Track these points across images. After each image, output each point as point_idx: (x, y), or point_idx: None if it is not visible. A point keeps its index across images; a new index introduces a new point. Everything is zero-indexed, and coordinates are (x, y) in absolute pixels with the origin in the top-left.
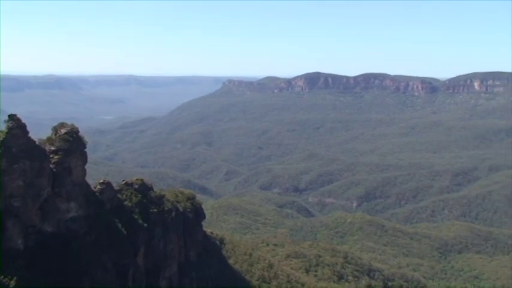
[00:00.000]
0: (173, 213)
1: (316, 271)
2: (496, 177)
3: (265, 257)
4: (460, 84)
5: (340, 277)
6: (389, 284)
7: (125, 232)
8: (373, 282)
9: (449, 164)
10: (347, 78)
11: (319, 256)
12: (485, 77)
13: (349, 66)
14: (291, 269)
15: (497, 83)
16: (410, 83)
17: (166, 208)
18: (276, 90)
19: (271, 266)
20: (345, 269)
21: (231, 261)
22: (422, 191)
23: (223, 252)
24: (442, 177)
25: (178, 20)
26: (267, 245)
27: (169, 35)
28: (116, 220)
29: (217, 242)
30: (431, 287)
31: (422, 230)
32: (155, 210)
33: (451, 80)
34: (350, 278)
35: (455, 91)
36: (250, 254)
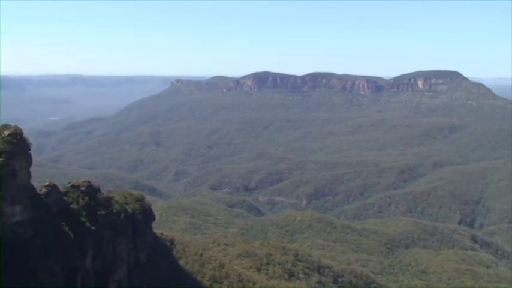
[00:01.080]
0: (122, 215)
1: (267, 269)
2: (440, 173)
3: (216, 256)
4: (404, 83)
5: (291, 275)
6: (339, 280)
7: (72, 235)
8: (323, 279)
9: (395, 161)
10: (295, 77)
11: (270, 255)
12: (428, 76)
13: (297, 66)
14: (242, 268)
15: (440, 82)
16: (356, 82)
17: (114, 210)
18: (224, 90)
19: (222, 265)
20: (295, 266)
21: (181, 262)
22: (370, 188)
23: (174, 253)
24: (388, 174)
25: (124, 18)
26: (218, 244)
27: (115, 34)
28: (63, 223)
29: (168, 243)
30: (380, 281)
31: (370, 226)
32: (103, 212)
33: (395, 78)
34: (301, 275)
35: (400, 90)
36: (201, 254)
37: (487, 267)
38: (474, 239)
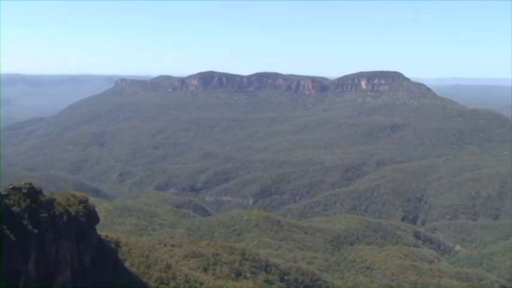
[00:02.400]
0: (65, 218)
1: (214, 269)
2: (383, 171)
3: (163, 258)
4: (348, 83)
5: (238, 274)
6: (286, 277)
7: (13, 239)
8: (270, 277)
9: (339, 159)
10: (241, 77)
11: (217, 254)
12: (371, 76)
13: (243, 66)
14: (189, 268)
15: (383, 82)
16: (302, 82)
17: (57, 212)
18: (169, 89)
19: (169, 266)
20: (242, 265)
21: (127, 264)
22: (315, 186)
23: (119, 255)
24: (333, 172)
25: (65, 15)
26: (164, 245)
27: (56, 31)
28: (4, 226)
29: (113, 245)
30: (326, 278)
31: (316, 224)
32: (45, 214)
33: (339, 79)
34: (248, 274)
35: (344, 90)
36: (147, 256)
37: (430, 262)
38: (417, 235)
